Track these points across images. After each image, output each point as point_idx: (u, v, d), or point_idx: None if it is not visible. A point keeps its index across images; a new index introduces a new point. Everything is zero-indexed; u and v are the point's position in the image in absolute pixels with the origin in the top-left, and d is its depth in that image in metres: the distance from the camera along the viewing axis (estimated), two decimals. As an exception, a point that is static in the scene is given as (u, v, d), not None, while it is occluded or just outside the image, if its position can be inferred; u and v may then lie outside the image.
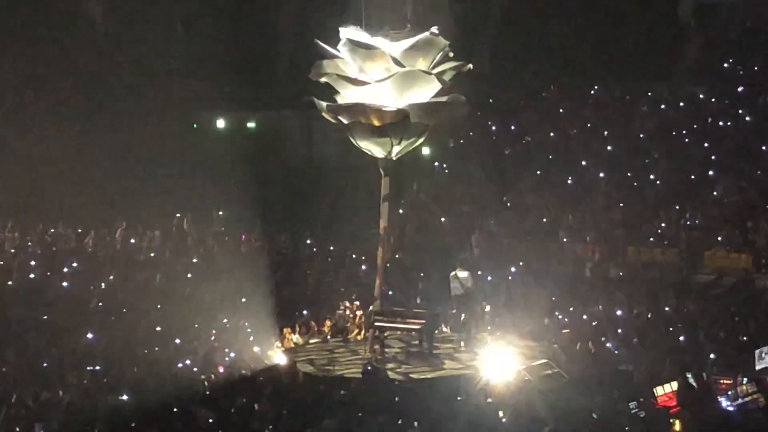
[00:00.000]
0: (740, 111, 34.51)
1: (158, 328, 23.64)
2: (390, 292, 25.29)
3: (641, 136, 34.40)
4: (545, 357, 21.15)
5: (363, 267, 28.54)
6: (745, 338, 22.63)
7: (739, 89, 35.37)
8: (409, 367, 21.88)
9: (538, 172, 33.90)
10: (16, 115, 34.10)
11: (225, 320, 24.36)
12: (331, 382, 20.56)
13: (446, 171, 35.35)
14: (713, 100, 35.50)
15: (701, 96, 35.82)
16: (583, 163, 33.80)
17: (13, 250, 29.77)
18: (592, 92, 37.53)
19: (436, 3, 24.39)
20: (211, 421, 17.87)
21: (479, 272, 26.36)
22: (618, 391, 19.03)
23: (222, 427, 17.72)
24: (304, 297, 26.90)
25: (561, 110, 37.04)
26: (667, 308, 25.11)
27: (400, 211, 31.56)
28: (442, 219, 32.57)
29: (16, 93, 34.40)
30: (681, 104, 35.76)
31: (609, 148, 34.31)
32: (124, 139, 34.97)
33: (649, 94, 36.42)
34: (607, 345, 22.72)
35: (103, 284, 27.06)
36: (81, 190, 32.63)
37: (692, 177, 32.16)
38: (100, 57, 36.29)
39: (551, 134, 35.78)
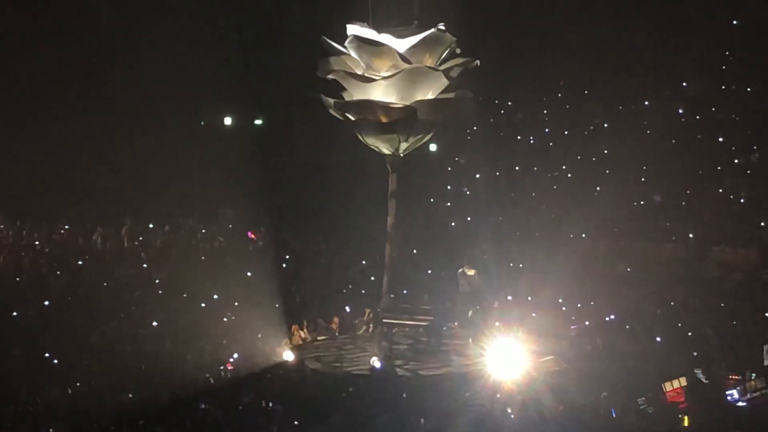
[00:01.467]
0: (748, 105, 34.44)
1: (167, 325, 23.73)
2: (398, 289, 25.29)
3: (649, 131, 34.36)
4: (553, 352, 21.19)
5: (370, 264, 28.53)
6: (753, 334, 22.58)
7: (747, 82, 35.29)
8: (417, 364, 21.89)
9: (546, 169, 33.93)
10: (23, 114, 34.15)
11: (233, 317, 24.43)
12: (339, 378, 20.58)
13: (451, 169, 35.38)
14: (720, 93, 35.42)
15: (708, 90, 35.74)
16: (592, 159, 33.82)
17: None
18: (600, 87, 37.52)
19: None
20: (219, 418, 17.91)
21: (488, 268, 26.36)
22: (626, 387, 19.06)
23: (230, 424, 17.75)
24: (312, 294, 26.89)
25: (568, 106, 37.05)
26: (674, 304, 25.08)
27: (409, 205, 31.52)
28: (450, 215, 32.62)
29: (22, 92, 34.43)
30: (688, 99, 35.70)
31: (616, 143, 34.31)
32: (131, 137, 35.01)
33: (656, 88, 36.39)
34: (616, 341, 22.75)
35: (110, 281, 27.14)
36: (88, 188, 32.71)
37: (700, 172, 32.12)
38: (106, 55, 36.30)
39: (559, 130, 35.83)
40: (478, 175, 34.46)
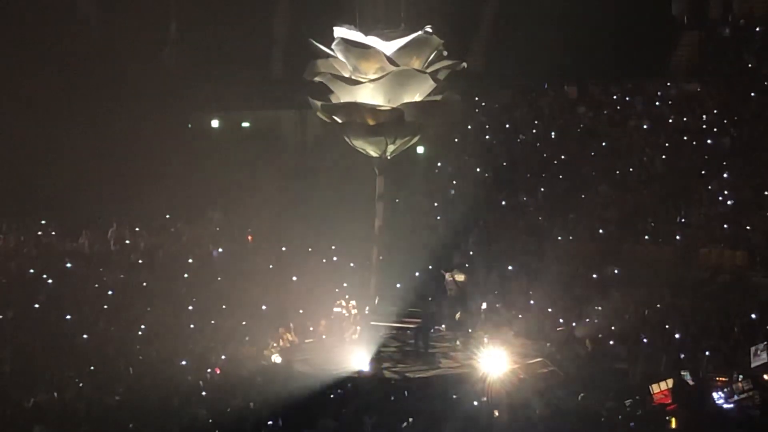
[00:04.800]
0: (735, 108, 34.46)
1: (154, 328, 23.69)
2: (385, 291, 25.24)
3: (636, 134, 34.39)
4: (541, 355, 21.22)
5: (358, 266, 28.47)
6: (740, 335, 22.62)
7: (735, 86, 35.30)
8: (405, 366, 21.88)
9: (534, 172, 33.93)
10: (11, 115, 34.04)
11: (221, 320, 24.41)
12: (327, 380, 20.53)
13: (438, 171, 35.40)
14: (708, 97, 35.45)
15: (697, 91, 35.75)
16: (579, 161, 33.82)
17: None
18: (586, 90, 37.56)
19: (430, 2, 24.33)
20: (209, 420, 17.90)
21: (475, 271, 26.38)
22: (613, 389, 19.10)
23: (219, 427, 17.71)
24: (300, 296, 26.84)
25: (555, 108, 37.08)
26: (661, 306, 25.09)
27: (396, 203, 31.49)
28: (438, 218, 32.60)
29: (11, 91, 34.32)
30: (676, 102, 35.70)
31: (604, 145, 34.35)
32: (118, 139, 34.91)
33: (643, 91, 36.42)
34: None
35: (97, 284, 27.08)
36: (75, 190, 32.62)
37: (687, 174, 32.12)
38: (96, 56, 36.22)
39: (546, 132, 35.85)
40: (465, 178, 34.44)
